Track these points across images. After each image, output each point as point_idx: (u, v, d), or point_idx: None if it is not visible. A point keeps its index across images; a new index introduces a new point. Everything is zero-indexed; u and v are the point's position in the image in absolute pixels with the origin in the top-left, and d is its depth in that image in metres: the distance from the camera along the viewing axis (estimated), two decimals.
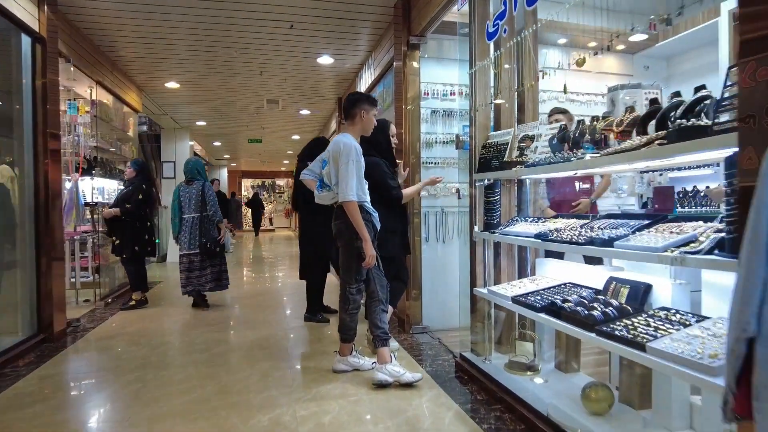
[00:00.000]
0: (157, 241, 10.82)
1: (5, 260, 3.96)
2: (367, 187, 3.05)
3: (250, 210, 20.33)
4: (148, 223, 5.47)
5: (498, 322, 3.22)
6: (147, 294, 5.52)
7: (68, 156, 5.46)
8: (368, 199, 3.05)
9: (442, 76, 4.29)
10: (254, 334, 4.21)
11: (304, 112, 9.09)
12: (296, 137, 12.16)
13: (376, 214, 3.06)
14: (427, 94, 4.26)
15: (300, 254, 4.82)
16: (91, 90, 5.58)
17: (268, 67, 6.38)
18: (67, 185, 5.41)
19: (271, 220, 24.38)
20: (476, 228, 3.13)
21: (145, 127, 10.70)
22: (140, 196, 5.22)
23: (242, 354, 3.67)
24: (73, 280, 5.66)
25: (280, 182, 25.78)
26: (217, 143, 13.36)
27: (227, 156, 16.91)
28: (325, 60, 6.09)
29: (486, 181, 3.07)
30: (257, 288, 6.80)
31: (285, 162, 19.31)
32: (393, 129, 3.61)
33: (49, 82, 4.04)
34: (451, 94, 4.32)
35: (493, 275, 3.18)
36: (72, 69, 4.66)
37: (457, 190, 4.14)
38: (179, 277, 5.32)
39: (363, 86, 6.37)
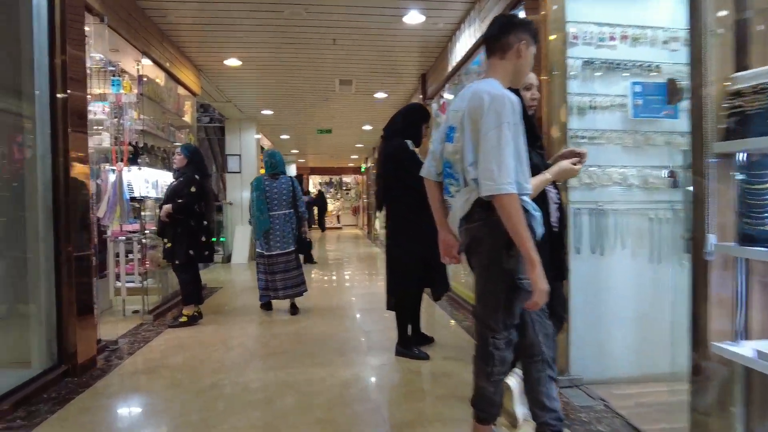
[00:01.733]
0: (222, 239, 10.29)
1: (13, 269, 3.09)
2: (528, 169, 1.80)
3: (316, 208, 19.67)
4: (205, 222, 4.53)
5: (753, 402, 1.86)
6: (202, 306, 4.58)
7: (110, 140, 4.62)
8: (530, 188, 1.79)
9: (598, 14, 2.94)
10: (329, 376, 3.07)
11: (380, 95, 7.94)
12: (368, 127, 11.08)
13: (539, 216, 1.79)
14: (576, 38, 2.93)
15: (388, 274, 3.60)
16: (138, 64, 4.69)
17: (343, 33, 5.27)
18: (111, 177, 4.57)
19: (338, 217, 23.69)
20: (712, 238, 1.79)
21: (208, 118, 10.09)
22: (193, 189, 4.27)
23: (313, 418, 2.53)
24: (118, 285, 4.84)
25: (347, 179, 25.07)
26: (284, 136, 12.57)
27: (295, 151, 16.20)
28: (413, 18, 4.87)
29: (743, 157, 1.73)
30: (330, 297, 5.72)
31: (353, 157, 18.39)
32: (532, 77, 2.29)
33: (70, 39, 3.10)
34: (611, 38, 2.95)
35: (743, 319, 1.82)
36: (107, 31, 3.75)
37: (673, 174, 2.77)
38: (258, 281, 4.90)
39: (459, 53, 5.10)
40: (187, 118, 6.19)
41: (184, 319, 4.35)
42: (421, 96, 6.89)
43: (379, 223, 14.77)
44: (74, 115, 3.16)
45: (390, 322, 3.82)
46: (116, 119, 4.61)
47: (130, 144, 4.67)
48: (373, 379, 3.10)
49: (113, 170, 4.57)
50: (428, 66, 6.55)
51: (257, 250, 4.89)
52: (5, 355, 3.09)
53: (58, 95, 3.05)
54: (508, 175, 1.63)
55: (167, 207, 4.24)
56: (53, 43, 3.03)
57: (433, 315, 4.81)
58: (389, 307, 3.53)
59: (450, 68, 5.51)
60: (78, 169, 3.19)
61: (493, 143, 1.66)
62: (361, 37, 5.45)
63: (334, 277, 7.50)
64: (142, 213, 4.82)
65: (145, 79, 4.73)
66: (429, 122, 3.67)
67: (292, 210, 4.79)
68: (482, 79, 1.88)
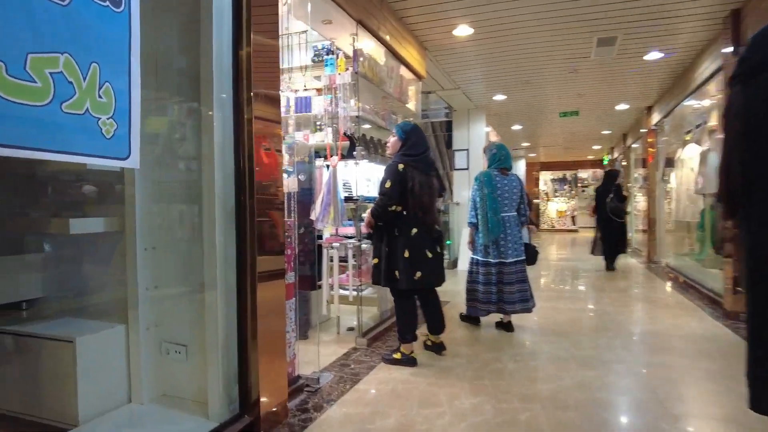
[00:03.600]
0: (448, 243, 9.45)
1: (189, 287, 2.48)
2: None
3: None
4: (415, 230, 3.50)
5: None
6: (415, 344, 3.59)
7: (321, 131, 3.99)
8: None
9: None
10: None
11: (651, 56, 5.88)
12: (623, 106, 8.85)
13: None
14: None
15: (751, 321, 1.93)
16: (353, 38, 3.95)
17: None
18: (325, 175, 3.93)
19: (573, 218, 21.03)
20: None
21: (442, 114, 9.35)
22: (388, 184, 3.29)
23: None
24: (332, 292, 4.21)
25: (584, 174, 22.11)
26: (516, 127, 11.13)
27: (526, 144, 14.55)
28: None
29: None
30: (573, 319, 4.16)
31: (594, 147, 15.77)
32: None
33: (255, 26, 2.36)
34: None
35: None
36: None
37: None
38: (472, 291, 4.25)
39: None
40: (411, 106, 5.36)
41: (397, 355, 3.39)
42: (731, 47, 4.68)
43: (630, 226, 12.10)
44: (261, 103, 2.42)
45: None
46: (331, 106, 3.96)
47: (345, 135, 3.96)
48: None
49: (327, 166, 3.93)
50: None
51: (476, 257, 4.23)
52: (186, 390, 2.52)
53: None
54: None
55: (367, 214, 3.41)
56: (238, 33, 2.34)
57: None
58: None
59: None
60: (265, 159, 2.44)
61: None
62: None
63: (580, 302, 5.80)
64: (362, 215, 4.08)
65: (361, 58, 3.96)
66: None
67: (516, 213, 4.18)
68: None
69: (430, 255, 3.31)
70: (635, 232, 11.97)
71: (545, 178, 21.67)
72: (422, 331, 3.71)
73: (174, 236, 2.59)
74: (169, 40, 2.57)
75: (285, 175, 2.73)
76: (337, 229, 4.19)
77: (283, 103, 5.40)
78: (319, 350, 3.41)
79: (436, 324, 3.55)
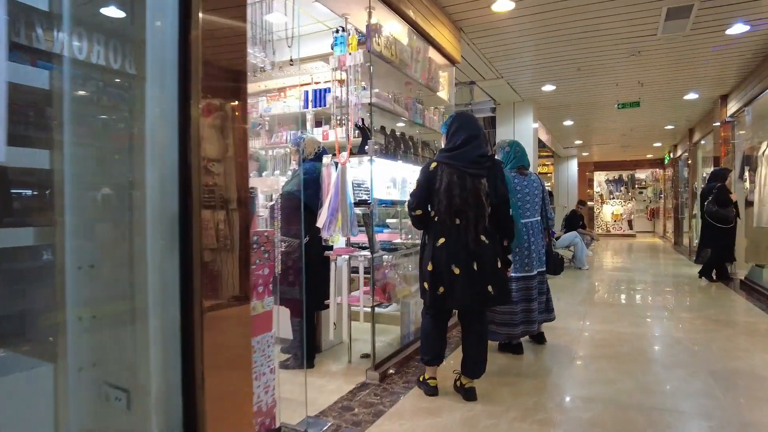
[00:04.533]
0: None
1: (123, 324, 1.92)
2: None
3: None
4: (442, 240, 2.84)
5: None
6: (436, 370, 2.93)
7: (333, 122, 3.39)
8: None
9: None
10: None
11: (735, 29, 4.92)
12: (692, 96, 7.76)
13: None
14: None
15: None
16: (368, 12, 3.32)
17: None
18: (333, 175, 3.31)
19: (630, 222, 19.56)
20: None
21: (488, 109, 8.60)
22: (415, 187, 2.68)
23: None
24: (356, 309, 3.58)
25: (641, 174, 20.57)
26: (567, 122, 10.15)
27: (578, 142, 13.44)
28: None
29: None
30: (637, 349, 3.33)
31: (655, 145, 14.42)
32: None
33: None
34: None
35: None
36: None
37: None
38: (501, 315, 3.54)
39: None
40: (443, 95, 4.67)
41: (421, 377, 2.73)
42: None
43: (696, 231, 10.84)
44: (217, 79, 1.83)
45: None
46: (340, 92, 3.34)
47: (357, 126, 3.34)
48: None
49: (336, 164, 3.31)
50: None
51: None
52: None
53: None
54: None
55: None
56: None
57: None
58: None
59: None
60: (227, 163, 1.84)
61: None
62: None
63: (643, 326, 4.93)
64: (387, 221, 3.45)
65: (376, 35, 3.31)
66: None
67: (539, 218, 3.71)
68: None
69: (457, 271, 2.67)
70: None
71: (599, 178, 20.31)
72: (457, 361, 3.03)
73: (117, 252, 2.03)
74: None
75: (262, 174, 2.16)
76: (348, 239, 3.57)
77: (299, 96, 4.89)
78: (321, 386, 2.80)
79: (471, 364, 2.87)
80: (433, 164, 2.77)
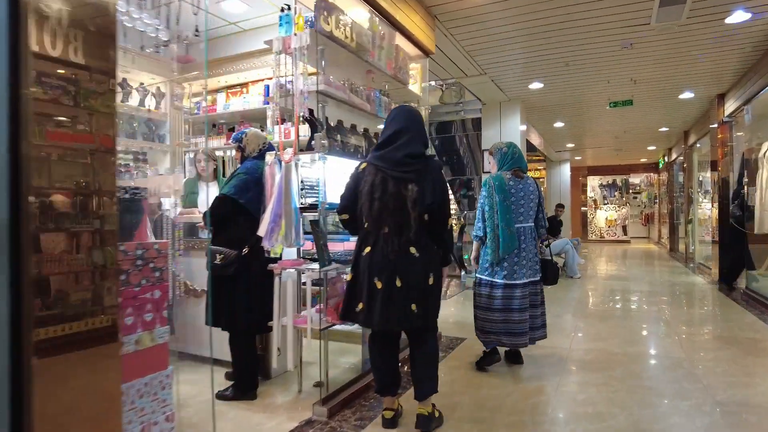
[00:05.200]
0: (466, 256, 8.20)
1: None
2: None
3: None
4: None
5: None
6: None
7: (273, 114, 2.94)
8: None
9: None
10: None
11: (735, 17, 4.48)
12: (687, 95, 7.35)
13: None
14: None
15: None
16: None
17: None
18: (277, 176, 2.83)
19: (624, 228, 19.17)
20: None
21: (478, 110, 8.20)
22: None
23: None
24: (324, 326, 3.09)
25: (636, 179, 20.23)
26: (558, 124, 9.73)
27: (570, 145, 13.03)
28: None
29: None
30: (632, 374, 2.87)
31: (650, 148, 14.04)
32: None
33: None
34: None
35: None
36: None
37: None
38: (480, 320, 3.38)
39: None
40: (414, 88, 4.22)
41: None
42: None
43: (693, 237, 10.44)
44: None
45: None
46: (284, 82, 2.88)
47: (302, 117, 2.87)
48: None
49: (280, 162, 2.83)
50: None
51: (481, 276, 3.43)
52: None
53: None
54: None
55: None
56: None
57: None
58: None
59: None
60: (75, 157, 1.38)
61: None
62: None
63: (639, 344, 4.48)
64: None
65: (325, 12, 2.85)
66: None
67: (533, 224, 3.42)
68: None
69: (379, 285, 2.32)
70: (697, 244, 10.30)
71: (593, 183, 19.94)
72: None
73: None
74: None
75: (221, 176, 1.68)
76: (299, 250, 3.09)
77: (261, 92, 4.42)
78: (258, 424, 2.32)
79: (417, 383, 2.48)
80: (363, 165, 2.48)
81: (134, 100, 4.81)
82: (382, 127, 3.71)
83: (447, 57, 5.43)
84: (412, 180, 2.32)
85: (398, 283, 2.30)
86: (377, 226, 2.34)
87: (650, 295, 6.45)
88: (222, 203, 2.83)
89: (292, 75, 2.82)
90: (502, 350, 3.55)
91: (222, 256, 2.83)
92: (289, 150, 2.80)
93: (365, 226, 2.40)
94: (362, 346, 3.34)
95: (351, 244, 4.21)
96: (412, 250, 2.32)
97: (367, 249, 2.37)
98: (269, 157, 2.89)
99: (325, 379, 2.84)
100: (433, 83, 7.48)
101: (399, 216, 2.30)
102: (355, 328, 3.54)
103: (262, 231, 2.78)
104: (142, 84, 4.85)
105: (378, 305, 2.30)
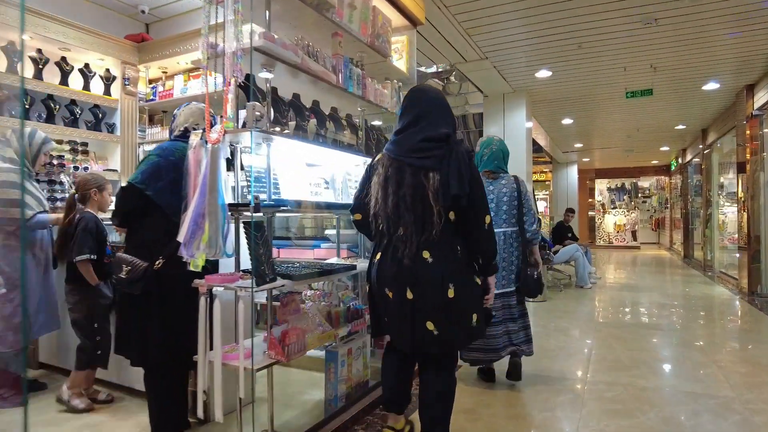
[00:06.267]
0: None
1: None
2: None
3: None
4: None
5: None
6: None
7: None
8: None
9: None
10: None
11: None
12: (712, 85, 6.61)
13: None
14: None
15: None
16: None
17: None
18: (203, 163, 2.10)
19: (634, 233, 18.35)
20: None
21: (473, 106, 7.55)
22: None
23: None
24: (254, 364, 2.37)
25: (645, 183, 19.45)
26: (566, 121, 9.00)
27: (578, 145, 12.27)
28: None
29: None
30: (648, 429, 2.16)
31: (663, 149, 13.26)
32: None
33: None
34: None
35: None
36: None
37: None
38: None
39: None
40: (401, 64, 3.53)
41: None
42: None
43: (712, 243, 9.67)
44: None
45: None
46: (214, 40, 2.18)
47: (239, 85, 2.17)
48: None
49: (206, 145, 2.11)
50: None
51: None
52: None
53: None
54: None
55: None
56: None
57: None
58: None
59: None
60: None
61: None
62: None
63: (656, 376, 3.73)
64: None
65: None
66: None
67: (516, 228, 3.09)
68: None
69: (390, 294, 1.97)
70: (718, 250, 9.53)
71: (601, 187, 19.16)
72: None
73: None
74: None
75: None
76: (238, 267, 2.37)
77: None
78: None
79: (424, 427, 2.03)
80: (378, 156, 2.11)
81: (77, 82, 4.17)
82: (360, 107, 3.06)
83: (442, 36, 4.73)
84: (433, 167, 1.88)
85: (409, 295, 1.91)
86: (392, 225, 1.94)
87: (672, 309, 5.70)
88: (126, 194, 2.14)
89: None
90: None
91: (129, 268, 2.13)
92: (217, 128, 2.09)
93: (379, 226, 2.01)
94: (325, 386, 2.62)
95: (322, 251, 3.52)
96: (426, 254, 1.89)
97: (378, 255, 2.03)
98: (193, 138, 2.17)
99: (269, 427, 2.13)
100: (435, 79, 6.79)
101: (420, 212, 1.89)
102: (320, 353, 2.83)
103: (181, 236, 2.07)
104: (87, 65, 4.21)
105: (394, 319, 1.98)
